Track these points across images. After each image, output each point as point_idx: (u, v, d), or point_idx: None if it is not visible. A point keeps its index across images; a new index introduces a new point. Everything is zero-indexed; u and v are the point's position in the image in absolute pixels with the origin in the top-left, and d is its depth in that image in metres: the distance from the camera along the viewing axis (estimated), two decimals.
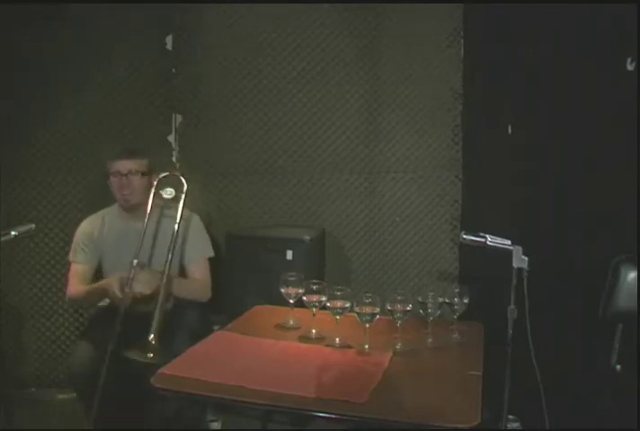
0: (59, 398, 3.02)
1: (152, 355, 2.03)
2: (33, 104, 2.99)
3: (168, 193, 2.35)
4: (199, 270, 2.55)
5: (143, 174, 2.47)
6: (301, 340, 1.93)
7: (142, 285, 2.25)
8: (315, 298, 1.94)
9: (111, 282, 2.27)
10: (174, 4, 3.15)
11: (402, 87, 3.18)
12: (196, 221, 2.61)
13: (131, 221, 2.51)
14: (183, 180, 2.38)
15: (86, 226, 2.58)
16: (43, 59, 2.95)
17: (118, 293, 2.22)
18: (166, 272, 2.26)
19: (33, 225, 2.04)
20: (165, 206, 2.51)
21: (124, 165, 2.46)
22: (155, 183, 2.38)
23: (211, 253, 2.62)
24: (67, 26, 2.99)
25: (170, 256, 2.29)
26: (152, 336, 2.08)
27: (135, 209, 2.50)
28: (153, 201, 2.37)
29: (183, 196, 2.36)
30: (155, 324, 2.12)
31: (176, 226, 2.33)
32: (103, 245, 2.54)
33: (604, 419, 1.87)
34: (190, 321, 2.42)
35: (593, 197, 2.22)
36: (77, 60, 3.03)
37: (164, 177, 2.39)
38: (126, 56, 3.12)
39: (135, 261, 2.22)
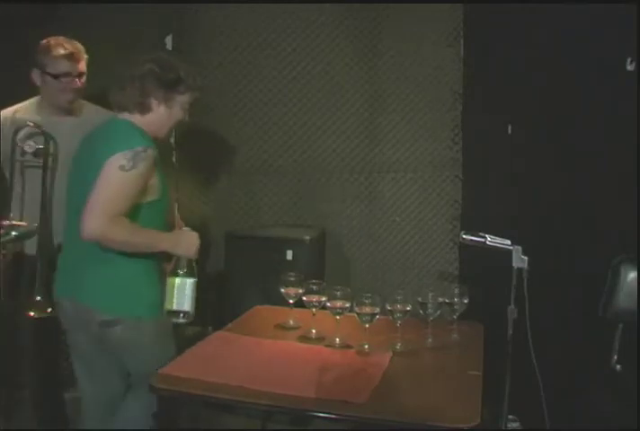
0: None
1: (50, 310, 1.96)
2: None
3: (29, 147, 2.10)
4: None
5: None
6: (301, 340, 1.93)
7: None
8: (314, 298, 1.94)
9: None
10: (174, 4, 3.15)
11: (402, 87, 3.18)
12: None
13: (60, 118, 2.20)
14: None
15: None
16: None
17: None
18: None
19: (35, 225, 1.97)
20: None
21: (76, 67, 2.14)
22: None
23: None
24: (67, 26, 2.98)
25: None
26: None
27: (70, 109, 2.23)
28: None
29: None
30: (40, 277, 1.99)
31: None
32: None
33: (604, 419, 1.87)
34: None
35: (593, 198, 2.22)
36: None
37: None
38: (126, 56, 3.11)
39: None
